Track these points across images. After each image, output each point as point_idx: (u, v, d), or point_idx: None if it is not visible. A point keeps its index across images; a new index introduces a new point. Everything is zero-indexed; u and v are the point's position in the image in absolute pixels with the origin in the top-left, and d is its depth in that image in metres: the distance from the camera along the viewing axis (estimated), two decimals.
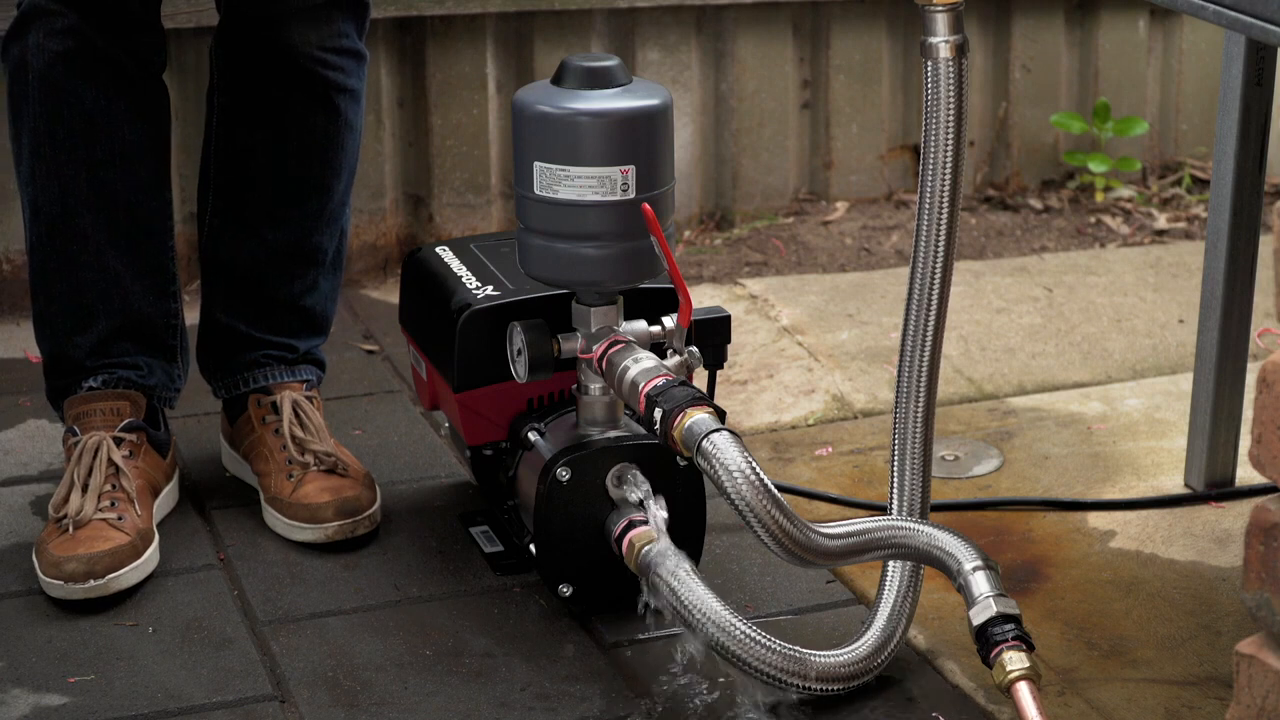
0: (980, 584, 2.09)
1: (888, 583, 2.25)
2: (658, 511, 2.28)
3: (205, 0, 3.14)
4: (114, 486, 2.47)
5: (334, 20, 2.56)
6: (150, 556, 2.45)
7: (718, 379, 2.49)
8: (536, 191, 2.27)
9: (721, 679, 2.24)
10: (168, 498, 2.60)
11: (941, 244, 2.14)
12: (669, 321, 2.35)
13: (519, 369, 2.37)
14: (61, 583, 2.38)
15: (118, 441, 2.52)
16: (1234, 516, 2.59)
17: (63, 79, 2.46)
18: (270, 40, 2.55)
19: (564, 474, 2.31)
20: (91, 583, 2.38)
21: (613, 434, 2.36)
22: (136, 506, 2.47)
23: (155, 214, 2.57)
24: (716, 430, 2.09)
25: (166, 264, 2.60)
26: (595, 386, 2.36)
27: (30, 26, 2.47)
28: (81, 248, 2.53)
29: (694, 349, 2.36)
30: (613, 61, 2.29)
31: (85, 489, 2.46)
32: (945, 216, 2.13)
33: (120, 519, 2.44)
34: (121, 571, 2.40)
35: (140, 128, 2.52)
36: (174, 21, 3.20)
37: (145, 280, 2.57)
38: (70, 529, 2.42)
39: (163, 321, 2.60)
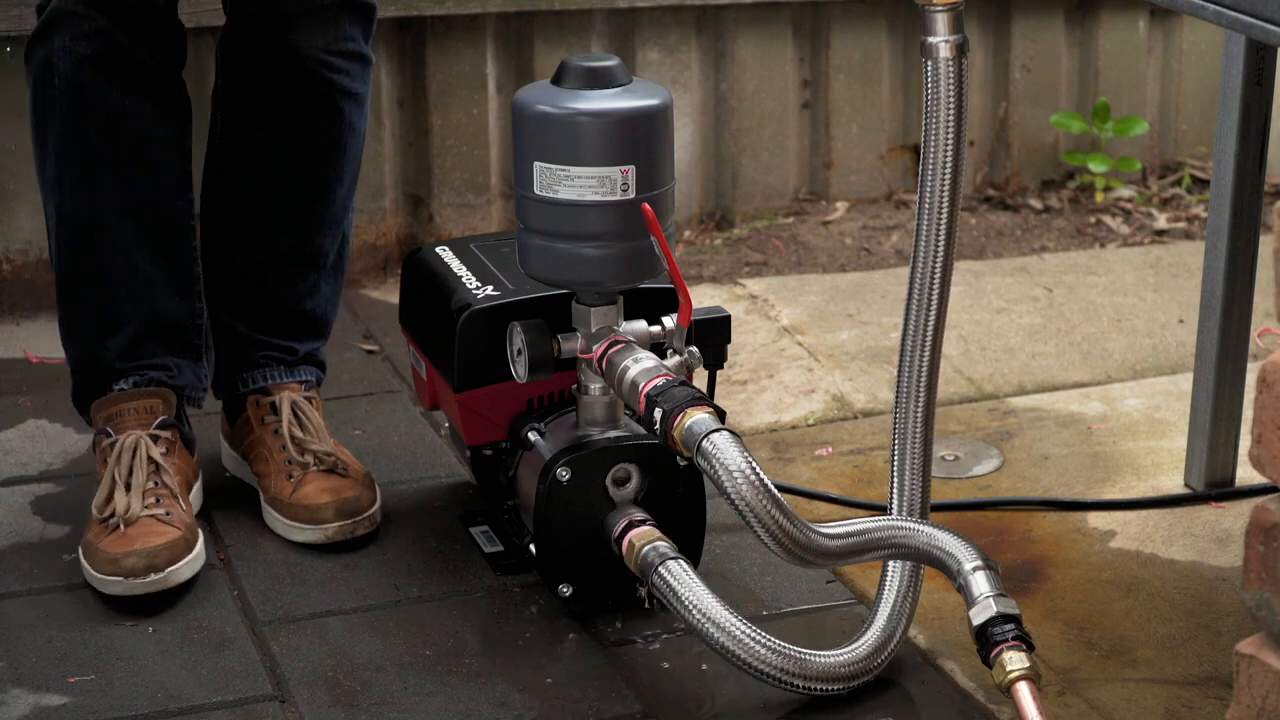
0: (980, 584, 2.09)
1: (888, 583, 2.25)
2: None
3: (206, 0, 3.14)
4: (156, 484, 2.48)
5: (341, 23, 2.56)
6: (200, 550, 2.46)
7: (718, 379, 2.49)
8: (536, 191, 2.27)
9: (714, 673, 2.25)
10: (197, 495, 2.60)
11: (941, 244, 2.14)
12: (669, 321, 2.35)
13: (519, 369, 2.37)
14: (121, 579, 2.39)
15: (154, 439, 2.52)
16: (1234, 516, 2.59)
17: (90, 81, 2.46)
18: (276, 42, 2.55)
19: (564, 474, 2.31)
20: (153, 576, 2.39)
21: (613, 434, 2.36)
22: (181, 502, 2.48)
23: (181, 214, 2.57)
24: (716, 430, 2.09)
25: (190, 264, 2.59)
26: (595, 386, 2.36)
27: (56, 29, 2.46)
28: (111, 252, 2.52)
29: (694, 349, 2.36)
30: (613, 61, 2.29)
31: (129, 488, 2.46)
32: (945, 216, 2.13)
33: (168, 515, 2.44)
34: (180, 564, 2.41)
35: (166, 128, 2.52)
36: None
37: (171, 282, 2.56)
38: (121, 527, 2.42)
39: (188, 321, 2.60)
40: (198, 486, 2.61)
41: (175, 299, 2.57)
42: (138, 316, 2.55)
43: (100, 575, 2.40)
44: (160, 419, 2.54)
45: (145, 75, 2.48)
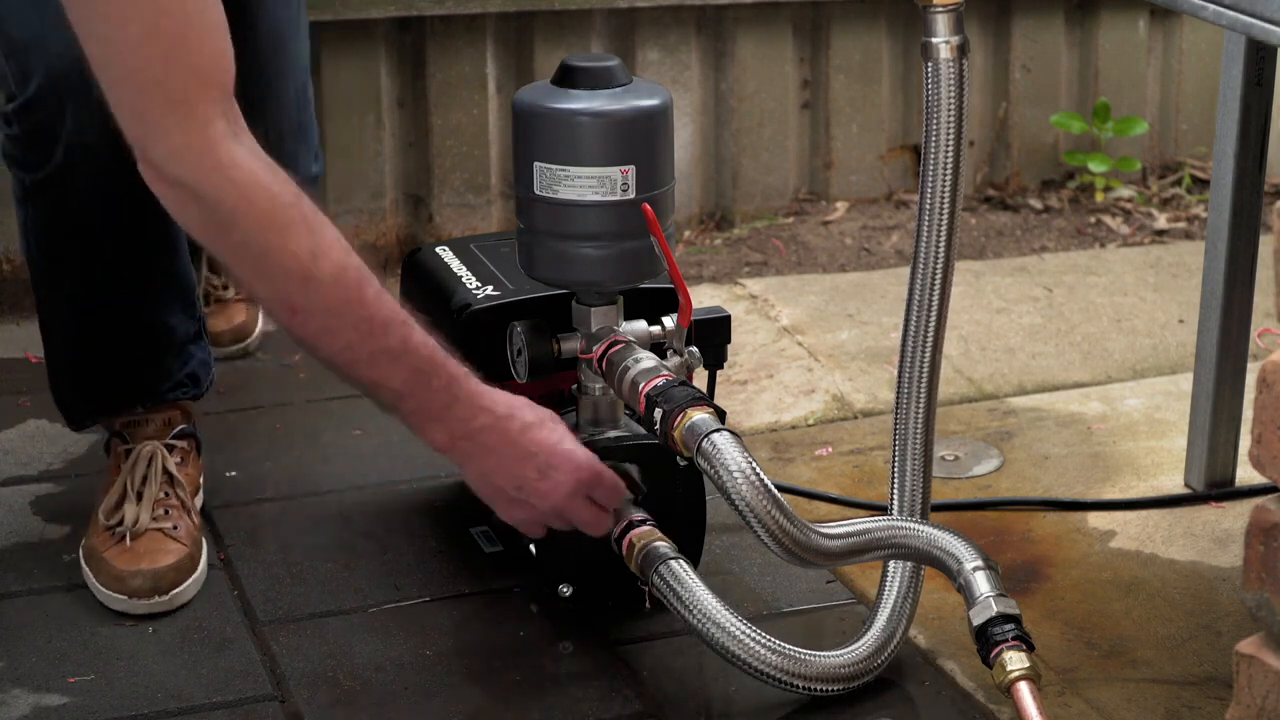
0: (980, 584, 2.09)
1: (888, 583, 2.25)
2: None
3: None
4: (167, 495, 2.47)
5: None
6: (204, 567, 2.46)
7: (718, 379, 2.49)
8: (536, 191, 2.27)
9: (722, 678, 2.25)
10: (199, 493, 2.60)
11: (942, 245, 2.14)
12: (669, 321, 2.35)
13: (519, 369, 2.37)
14: (125, 598, 2.38)
15: (169, 449, 2.51)
16: (1234, 516, 2.59)
17: (121, 200, 2.34)
18: None
19: None
20: (157, 599, 2.39)
21: (613, 434, 2.36)
22: (191, 515, 2.47)
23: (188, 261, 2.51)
24: (717, 430, 2.09)
25: (191, 279, 2.54)
26: (595, 386, 2.36)
27: (77, 168, 2.34)
28: (128, 319, 2.47)
29: (694, 349, 2.36)
30: (613, 61, 2.29)
31: (139, 498, 2.45)
32: (946, 217, 2.13)
33: (175, 529, 2.43)
34: (184, 585, 2.41)
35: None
36: None
37: (180, 314, 2.52)
38: (127, 539, 2.41)
39: (196, 329, 2.55)
40: (200, 481, 2.60)
41: (185, 322, 2.52)
42: (154, 355, 2.51)
43: (105, 590, 2.40)
44: (179, 428, 2.53)
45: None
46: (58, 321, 2.50)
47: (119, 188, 2.23)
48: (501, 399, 2.15)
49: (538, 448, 2.15)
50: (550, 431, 2.16)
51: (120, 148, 2.17)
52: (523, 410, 2.16)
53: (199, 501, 2.59)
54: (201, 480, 2.61)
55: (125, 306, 2.47)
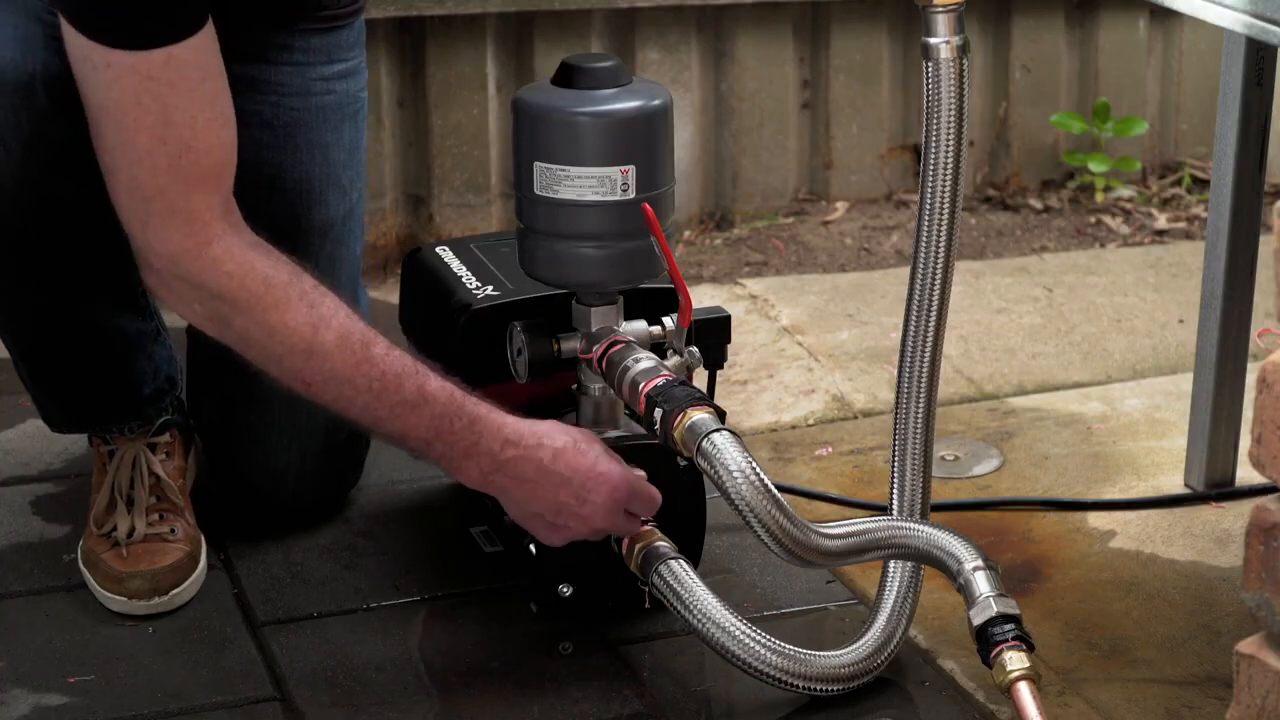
0: (980, 584, 2.09)
1: (888, 583, 2.25)
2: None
3: None
4: (159, 498, 2.45)
5: None
6: (204, 564, 2.45)
7: (718, 379, 2.49)
8: (536, 192, 2.27)
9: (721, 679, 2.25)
10: (191, 470, 2.58)
11: (942, 245, 2.14)
12: (669, 321, 2.35)
13: (519, 369, 2.37)
14: (125, 599, 2.38)
15: (153, 447, 2.49)
16: (1234, 516, 2.59)
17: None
18: None
19: None
20: (157, 600, 2.38)
21: (613, 434, 2.36)
22: (186, 515, 2.46)
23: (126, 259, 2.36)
24: (717, 430, 2.09)
25: (133, 288, 2.43)
26: (595, 387, 2.36)
27: None
28: (85, 330, 2.40)
29: (694, 349, 2.36)
30: (613, 61, 2.29)
31: (130, 504, 2.44)
32: (946, 218, 2.13)
33: (173, 532, 2.43)
34: (184, 586, 2.40)
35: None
36: None
37: (133, 324, 2.45)
38: (124, 551, 2.41)
39: (153, 329, 2.52)
40: (192, 460, 2.59)
41: (136, 321, 2.45)
42: (116, 373, 2.46)
43: (105, 592, 2.39)
44: (160, 420, 2.51)
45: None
46: (9, 343, 2.43)
47: (21, 221, 2.21)
48: (528, 428, 2.18)
49: (571, 473, 2.18)
50: (582, 455, 2.18)
51: (17, 182, 2.17)
52: (552, 436, 2.18)
53: (191, 475, 2.56)
54: (193, 462, 2.59)
55: (68, 326, 2.38)
